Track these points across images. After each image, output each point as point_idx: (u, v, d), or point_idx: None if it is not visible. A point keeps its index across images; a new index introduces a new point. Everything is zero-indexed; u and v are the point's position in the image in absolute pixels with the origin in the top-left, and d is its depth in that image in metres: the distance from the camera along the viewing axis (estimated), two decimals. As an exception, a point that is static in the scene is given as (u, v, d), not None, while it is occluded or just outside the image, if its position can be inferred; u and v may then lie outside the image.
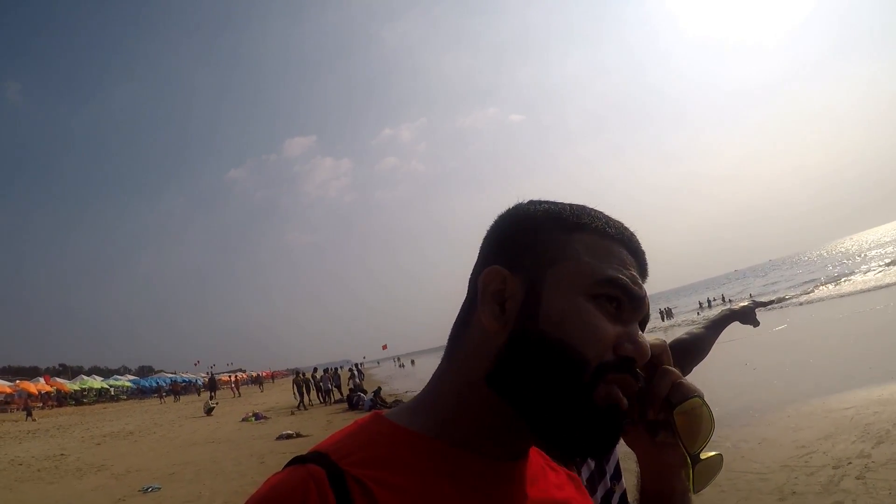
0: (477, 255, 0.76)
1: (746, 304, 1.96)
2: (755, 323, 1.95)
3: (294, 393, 24.97)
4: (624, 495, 1.41)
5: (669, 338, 1.93)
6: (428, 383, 0.74)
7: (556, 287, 0.66)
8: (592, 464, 1.36)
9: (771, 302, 2.06)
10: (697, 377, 1.76)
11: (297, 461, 0.64)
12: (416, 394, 0.78)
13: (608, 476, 1.39)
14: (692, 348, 1.81)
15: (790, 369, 11.25)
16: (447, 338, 0.75)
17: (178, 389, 49.52)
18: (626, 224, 0.74)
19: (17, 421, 28.19)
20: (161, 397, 46.01)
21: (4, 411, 36.72)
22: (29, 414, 30.68)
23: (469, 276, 0.76)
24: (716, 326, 1.89)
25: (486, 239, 0.75)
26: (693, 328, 1.90)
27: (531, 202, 0.75)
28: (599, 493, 1.35)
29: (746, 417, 8.57)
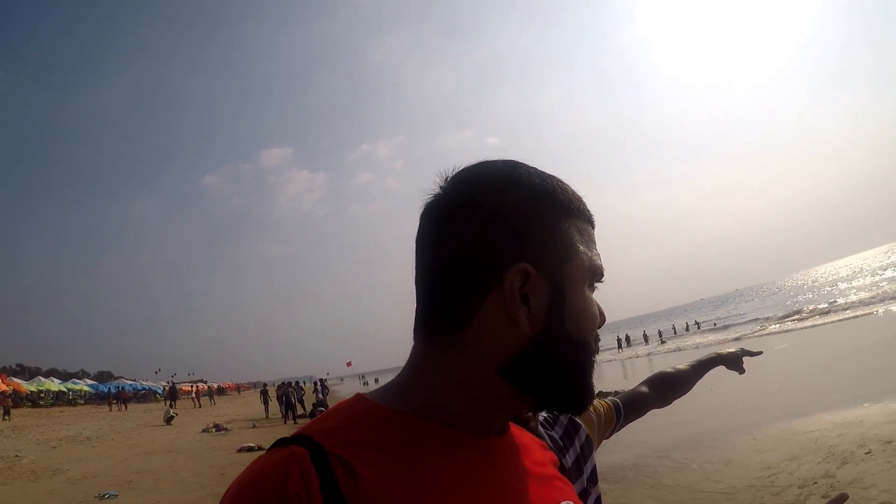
0: (443, 221, 0.70)
1: (735, 350, 2.00)
2: (741, 370, 2.00)
3: (280, 406, 24.76)
4: (598, 500, 1.43)
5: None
6: (409, 366, 0.72)
7: (572, 284, 0.69)
8: (570, 460, 1.39)
9: (760, 352, 2.14)
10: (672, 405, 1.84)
11: (280, 443, 0.64)
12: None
13: (585, 476, 1.41)
14: (674, 384, 1.87)
15: (755, 395, 11.43)
16: (421, 319, 0.72)
17: (127, 397, 48.11)
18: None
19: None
20: (110, 405, 44.13)
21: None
22: (7, 413, 28.68)
23: (433, 250, 0.71)
24: (701, 367, 1.93)
25: (471, 208, 0.69)
26: (679, 365, 1.96)
27: (504, 169, 0.72)
28: (577, 489, 1.34)
29: (712, 440, 8.69)
